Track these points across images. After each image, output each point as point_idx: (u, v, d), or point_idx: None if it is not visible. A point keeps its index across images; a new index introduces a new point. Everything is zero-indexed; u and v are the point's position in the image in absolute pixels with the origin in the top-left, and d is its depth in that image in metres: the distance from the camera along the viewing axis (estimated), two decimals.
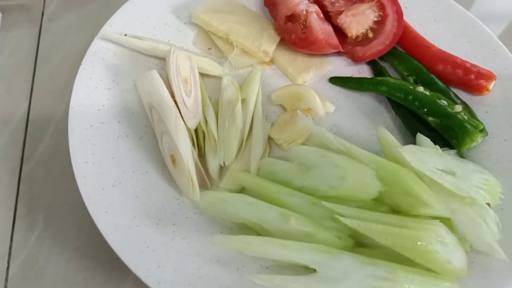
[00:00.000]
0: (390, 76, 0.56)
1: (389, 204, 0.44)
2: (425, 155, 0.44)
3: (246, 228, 0.45)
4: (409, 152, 0.43)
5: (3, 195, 0.48)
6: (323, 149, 0.45)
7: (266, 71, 0.57)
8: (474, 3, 0.73)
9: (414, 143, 0.51)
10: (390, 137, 0.46)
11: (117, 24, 0.54)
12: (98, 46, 0.52)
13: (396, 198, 0.43)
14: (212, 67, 0.54)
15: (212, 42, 0.58)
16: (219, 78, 0.54)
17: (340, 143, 0.45)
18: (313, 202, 0.43)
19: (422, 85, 0.54)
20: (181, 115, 0.48)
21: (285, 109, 0.54)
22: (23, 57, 0.58)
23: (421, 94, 0.51)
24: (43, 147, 0.51)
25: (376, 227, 0.39)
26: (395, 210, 0.44)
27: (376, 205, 0.44)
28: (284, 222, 0.42)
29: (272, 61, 0.57)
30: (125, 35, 0.53)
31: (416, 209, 0.42)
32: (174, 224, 0.44)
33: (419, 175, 0.43)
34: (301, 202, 0.43)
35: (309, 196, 0.43)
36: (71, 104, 0.48)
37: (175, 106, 0.48)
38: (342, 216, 0.40)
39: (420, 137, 0.48)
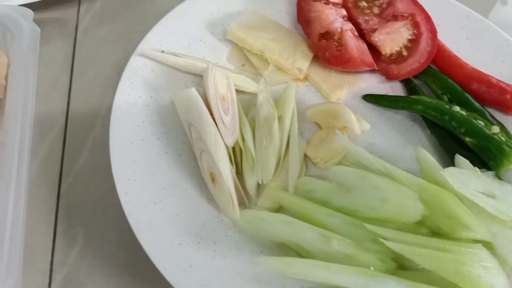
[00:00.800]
0: (424, 94, 0.56)
1: (430, 226, 0.44)
2: (465, 177, 0.44)
3: (285, 247, 0.45)
4: (450, 175, 0.43)
5: (43, 210, 0.48)
6: (363, 170, 0.45)
7: (300, 88, 0.57)
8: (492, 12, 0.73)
9: (450, 162, 0.51)
10: (430, 159, 0.46)
11: (153, 41, 0.55)
12: (135, 62, 0.53)
13: (437, 221, 0.43)
14: (248, 84, 0.54)
15: (246, 58, 0.58)
16: (252, 94, 0.55)
17: (380, 163, 0.46)
18: (354, 223, 0.43)
19: (457, 104, 0.54)
20: (220, 133, 0.48)
21: (320, 127, 0.54)
22: (58, 71, 0.58)
23: (457, 114, 0.51)
24: (81, 162, 0.52)
25: (420, 251, 0.39)
26: (435, 232, 0.44)
27: (416, 227, 0.44)
28: (325, 243, 0.42)
29: (305, 78, 0.57)
30: (162, 51, 0.54)
31: (458, 232, 0.42)
32: (215, 242, 0.44)
33: (460, 198, 0.43)
34: (342, 223, 0.43)
35: (349, 217, 0.43)
36: (111, 121, 0.48)
37: (214, 124, 0.48)
38: (385, 239, 0.41)
39: (459, 158, 0.48)
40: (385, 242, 0.40)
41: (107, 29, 0.63)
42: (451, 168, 0.45)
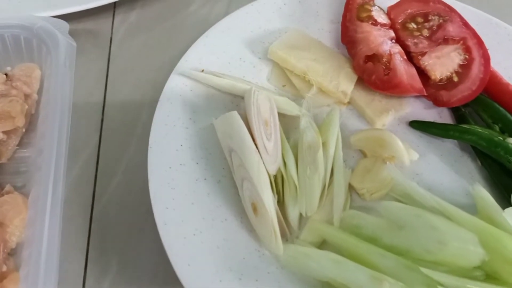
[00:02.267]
0: (473, 122, 0.54)
1: (486, 270, 0.41)
2: None
3: (330, 287, 0.42)
4: (511, 217, 0.40)
5: (74, 234, 0.46)
6: (417, 208, 0.42)
7: (342, 111, 0.54)
8: None
9: (502, 195, 0.48)
10: (487, 197, 0.44)
11: (193, 59, 0.53)
12: (175, 82, 0.51)
13: (496, 266, 0.40)
14: (290, 107, 0.52)
15: (287, 78, 0.56)
16: (293, 117, 0.52)
17: (435, 200, 0.43)
18: (407, 266, 0.40)
19: (509, 135, 0.51)
20: (262, 160, 0.46)
21: (364, 155, 0.51)
22: (92, 86, 0.56)
23: None
24: (115, 183, 0.50)
25: None
26: (490, 276, 0.41)
27: (471, 270, 0.41)
28: (375, 286, 0.40)
29: (349, 101, 0.55)
30: (202, 71, 0.52)
31: None
32: (257, 280, 0.42)
33: None
34: (394, 265, 0.40)
35: (403, 259, 0.41)
36: (150, 143, 0.46)
37: (257, 151, 0.46)
38: (443, 285, 0.38)
39: None
40: None
41: (142, 41, 0.61)
42: (511, 209, 0.42)
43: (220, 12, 0.65)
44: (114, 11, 0.64)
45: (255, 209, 0.44)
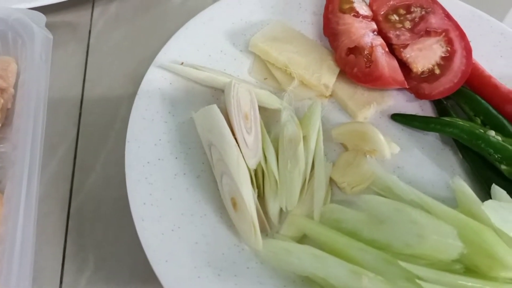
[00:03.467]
0: (455, 115, 0.53)
1: (465, 263, 0.41)
2: (506, 212, 0.42)
3: (310, 282, 0.42)
4: (491, 209, 0.40)
5: (51, 231, 0.45)
6: (398, 202, 0.42)
7: (324, 104, 0.54)
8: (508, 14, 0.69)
9: (483, 188, 0.48)
10: (467, 190, 0.44)
11: (172, 51, 0.52)
12: (153, 74, 0.50)
13: (475, 259, 0.40)
14: (271, 100, 0.51)
15: (269, 71, 0.55)
16: (274, 110, 0.52)
17: (415, 194, 0.43)
18: (387, 260, 0.40)
19: (491, 128, 0.51)
20: (242, 154, 0.45)
21: (346, 148, 0.51)
22: (70, 79, 0.55)
23: (493, 139, 0.48)
24: (93, 179, 0.49)
25: None
26: (470, 269, 0.41)
27: (450, 263, 0.41)
28: (355, 280, 0.39)
29: (331, 94, 0.54)
30: (182, 63, 0.51)
31: (496, 271, 0.39)
32: (235, 275, 0.41)
33: (499, 234, 0.41)
34: (374, 259, 0.40)
35: (382, 252, 0.40)
36: (127, 138, 0.45)
37: (237, 145, 0.45)
38: (421, 278, 0.38)
39: (496, 189, 0.45)
40: (422, 283, 0.37)
41: (122, 34, 0.60)
42: (490, 202, 0.42)
43: (203, 3, 0.64)
44: (93, 3, 0.62)
45: (234, 204, 0.43)
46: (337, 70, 0.55)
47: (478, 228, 0.40)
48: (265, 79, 0.55)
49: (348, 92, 0.54)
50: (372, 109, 0.53)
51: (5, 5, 0.57)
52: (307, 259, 0.41)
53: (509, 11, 0.70)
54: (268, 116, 0.52)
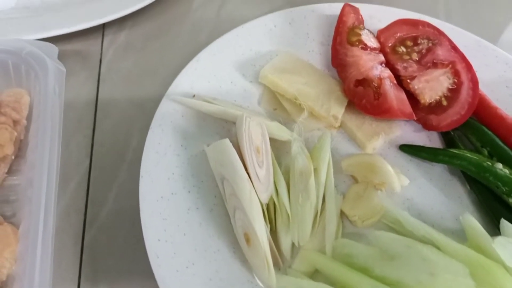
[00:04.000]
0: (462, 146, 0.54)
1: None
2: None
3: None
4: (501, 247, 0.41)
5: (65, 265, 0.46)
6: (409, 239, 0.43)
7: (333, 135, 0.55)
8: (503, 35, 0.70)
9: (491, 220, 0.49)
10: (477, 226, 0.44)
11: (184, 83, 0.53)
12: (166, 107, 0.50)
13: None
14: (281, 132, 0.52)
15: (278, 102, 0.56)
16: (284, 141, 0.52)
17: (425, 230, 0.43)
18: None
19: (497, 159, 0.52)
20: (254, 189, 0.46)
21: (355, 180, 0.52)
22: (82, 110, 0.56)
23: (501, 172, 0.49)
24: (106, 211, 0.49)
25: None
26: None
27: None
28: None
29: (339, 125, 0.55)
30: (193, 96, 0.52)
31: None
32: None
33: (508, 270, 0.41)
34: None
35: None
36: (141, 173, 0.46)
37: (249, 179, 0.46)
38: None
39: (505, 224, 0.46)
40: None
41: (132, 63, 0.61)
42: (500, 239, 0.42)
43: (210, 32, 0.65)
44: (103, 32, 0.63)
45: (247, 240, 0.44)
46: (345, 101, 0.55)
47: (488, 266, 0.40)
48: (275, 109, 0.55)
49: (356, 123, 0.55)
50: (381, 139, 0.54)
51: (17, 35, 0.57)
52: None
53: (503, 33, 0.71)
54: (278, 147, 0.52)
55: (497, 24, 0.70)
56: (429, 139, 0.56)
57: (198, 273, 0.42)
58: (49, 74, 0.50)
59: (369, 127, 0.55)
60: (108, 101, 0.57)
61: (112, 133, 0.54)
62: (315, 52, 0.60)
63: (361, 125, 0.55)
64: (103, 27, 0.63)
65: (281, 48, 0.59)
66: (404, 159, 0.54)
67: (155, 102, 0.52)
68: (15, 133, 0.49)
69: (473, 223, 0.44)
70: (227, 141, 0.47)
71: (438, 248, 0.42)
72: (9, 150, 0.48)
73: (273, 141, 0.52)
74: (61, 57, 0.54)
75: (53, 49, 0.53)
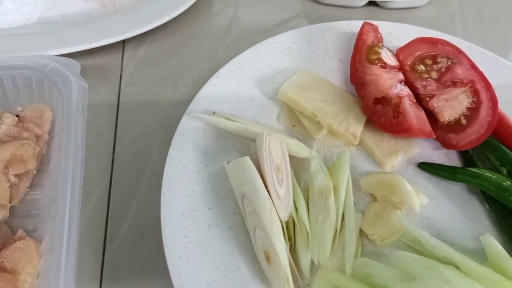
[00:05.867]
0: (481, 164, 0.54)
1: None
2: None
3: None
4: None
5: (86, 281, 0.46)
6: (430, 260, 0.43)
7: (352, 153, 0.55)
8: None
9: (510, 240, 0.49)
10: (497, 247, 0.44)
11: (204, 100, 0.53)
12: (186, 124, 0.51)
13: None
14: (300, 149, 0.52)
15: (297, 119, 0.56)
16: (303, 158, 0.52)
17: (446, 251, 0.43)
18: None
19: None
20: (274, 207, 0.46)
21: (375, 198, 0.52)
22: (102, 125, 0.57)
23: None
24: (126, 227, 0.50)
25: None
26: None
27: None
28: None
29: (358, 143, 0.55)
30: (214, 113, 0.52)
31: None
32: None
33: None
34: None
35: None
36: (162, 190, 0.46)
37: (269, 198, 0.46)
38: None
39: None
40: None
41: (152, 77, 0.62)
42: None
43: (229, 46, 0.65)
44: (123, 47, 0.64)
45: (267, 258, 0.44)
46: (364, 119, 0.56)
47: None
48: (294, 126, 0.56)
49: (375, 141, 0.55)
50: (399, 157, 0.54)
51: (39, 50, 0.58)
52: None
53: None
54: (296, 165, 0.53)
55: None
56: (448, 157, 0.56)
57: None
58: (73, 90, 0.51)
59: (388, 145, 0.55)
60: (128, 116, 0.58)
61: (132, 148, 0.55)
62: (333, 69, 0.60)
63: (379, 143, 0.55)
64: (123, 42, 0.64)
65: (300, 65, 0.59)
66: (422, 177, 0.54)
67: (175, 116, 0.53)
68: (38, 148, 0.50)
69: (494, 244, 0.44)
70: (247, 159, 0.47)
71: (458, 268, 0.42)
72: (32, 165, 0.49)
73: (292, 158, 0.52)
74: (82, 72, 0.55)
75: (76, 65, 0.54)
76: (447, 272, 0.41)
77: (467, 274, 0.42)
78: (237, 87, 0.55)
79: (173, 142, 0.49)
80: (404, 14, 0.72)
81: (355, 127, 0.54)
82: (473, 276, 0.41)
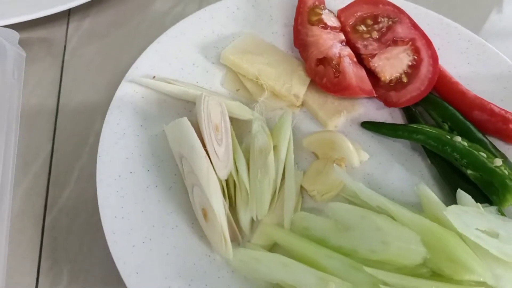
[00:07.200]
0: (423, 121, 0.55)
1: (431, 267, 0.42)
2: (468, 216, 0.43)
3: None
4: (453, 215, 0.42)
5: (26, 246, 0.46)
6: (363, 209, 0.43)
7: (296, 114, 0.55)
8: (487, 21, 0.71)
9: (451, 193, 0.49)
10: (431, 196, 0.45)
11: (144, 66, 0.53)
12: (125, 89, 0.51)
13: (439, 263, 0.41)
14: (242, 111, 0.52)
15: (241, 83, 0.56)
16: (246, 121, 0.52)
17: (380, 201, 0.44)
18: (353, 266, 0.41)
19: (458, 133, 0.52)
20: (213, 166, 0.46)
21: (317, 157, 0.52)
22: (45, 95, 0.56)
23: (459, 145, 0.50)
24: (67, 193, 0.49)
25: None
26: (436, 273, 0.42)
27: (417, 267, 0.42)
28: (322, 286, 0.40)
29: (302, 104, 0.55)
30: (154, 77, 0.52)
31: (460, 274, 0.40)
32: (206, 284, 0.42)
33: (463, 238, 0.42)
34: (341, 265, 0.41)
35: (349, 259, 0.41)
36: (99, 153, 0.46)
37: (207, 156, 0.46)
38: (386, 283, 0.39)
39: (461, 194, 0.46)
40: None
41: (96, 49, 0.61)
42: (453, 207, 0.43)
43: (177, 16, 0.65)
44: (68, 19, 0.63)
45: (205, 215, 0.44)
46: (307, 80, 0.56)
47: (441, 233, 0.41)
48: (238, 90, 0.56)
49: (318, 102, 0.55)
50: (342, 117, 0.54)
51: None
52: (276, 267, 0.42)
53: (485, 22, 0.72)
54: (240, 127, 0.53)
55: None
56: (391, 116, 0.56)
57: (155, 248, 0.42)
58: (8, 58, 0.50)
59: (331, 105, 0.55)
60: (72, 86, 0.57)
61: (75, 117, 0.55)
62: (278, 34, 0.60)
63: (323, 104, 0.55)
64: (68, 15, 0.63)
65: (244, 30, 0.59)
66: (366, 135, 0.54)
67: (118, 86, 0.52)
68: None
69: (428, 193, 0.45)
70: (185, 120, 0.47)
71: (392, 218, 0.43)
72: None
73: (235, 121, 0.52)
74: (26, 43, 0.54)
75: (14, 34, 0.53)
76: (379, 220, 0.42)
77: (400, 222, 0.42)
78: (179, 52, 0.55)
79: (110, 106, 0.49)
80: None
81: (298, 89, 0.55)
82: (405, 223, 0.42)
